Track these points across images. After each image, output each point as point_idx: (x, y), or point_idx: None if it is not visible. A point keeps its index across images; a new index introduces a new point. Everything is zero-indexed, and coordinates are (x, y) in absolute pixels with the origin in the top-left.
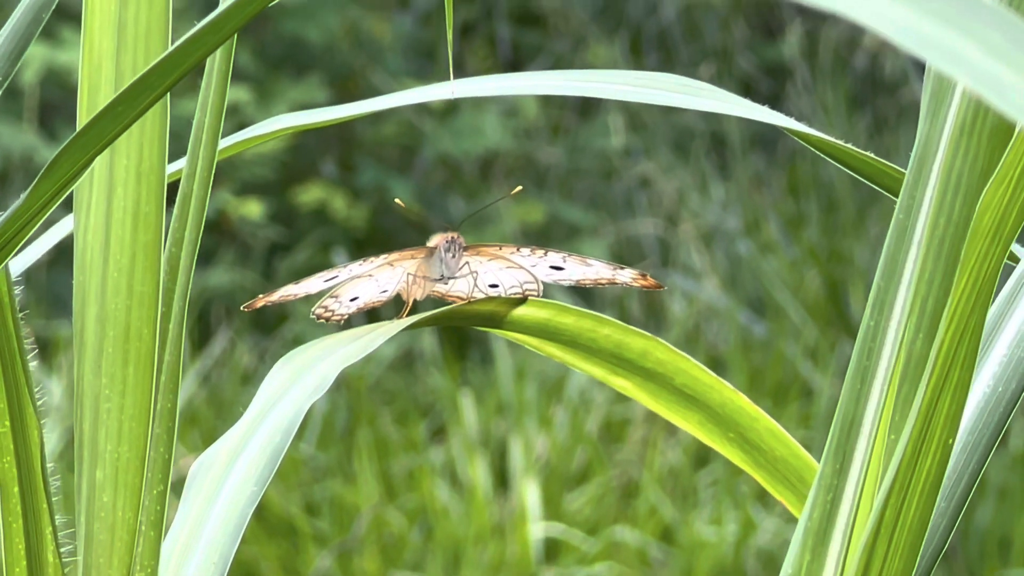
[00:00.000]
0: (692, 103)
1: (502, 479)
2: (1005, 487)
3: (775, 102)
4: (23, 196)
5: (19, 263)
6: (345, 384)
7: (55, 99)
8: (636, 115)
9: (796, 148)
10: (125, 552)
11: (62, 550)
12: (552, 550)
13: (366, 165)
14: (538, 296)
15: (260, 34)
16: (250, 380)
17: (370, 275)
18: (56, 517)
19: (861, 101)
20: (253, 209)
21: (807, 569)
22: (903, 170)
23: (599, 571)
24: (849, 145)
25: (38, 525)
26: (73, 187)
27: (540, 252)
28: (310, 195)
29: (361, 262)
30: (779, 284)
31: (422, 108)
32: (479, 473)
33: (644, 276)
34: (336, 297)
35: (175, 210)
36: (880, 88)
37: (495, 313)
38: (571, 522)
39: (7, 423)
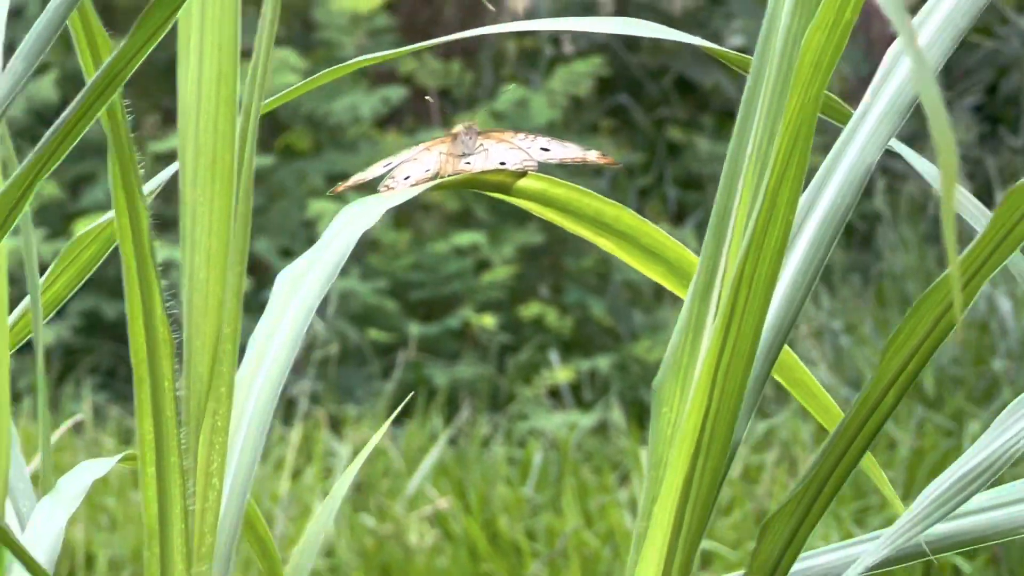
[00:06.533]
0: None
1: None
2: None
3: (868, 238)
4: (127, 37)
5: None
6: (555, 445)
7: None
8: None
9: (884, 272)
10: (215, 314)
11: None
12: (706, 559)
13: (571, 288)
14: (535, 171)
15: None
16: (487, 444)
17: (415, 159)
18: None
19: (934, 238)
20: (488, 321)
21: (697, 312)
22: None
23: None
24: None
25: (150, 293)
26: (166, 31)
27: (531, 137)
28: (530, 310)
29: (406, 151)
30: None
31: None
32: None
33: (604, 156)
34: (394, 178)
35: (247, 79)
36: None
37: (503, 183)
38: (720, 540)
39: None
